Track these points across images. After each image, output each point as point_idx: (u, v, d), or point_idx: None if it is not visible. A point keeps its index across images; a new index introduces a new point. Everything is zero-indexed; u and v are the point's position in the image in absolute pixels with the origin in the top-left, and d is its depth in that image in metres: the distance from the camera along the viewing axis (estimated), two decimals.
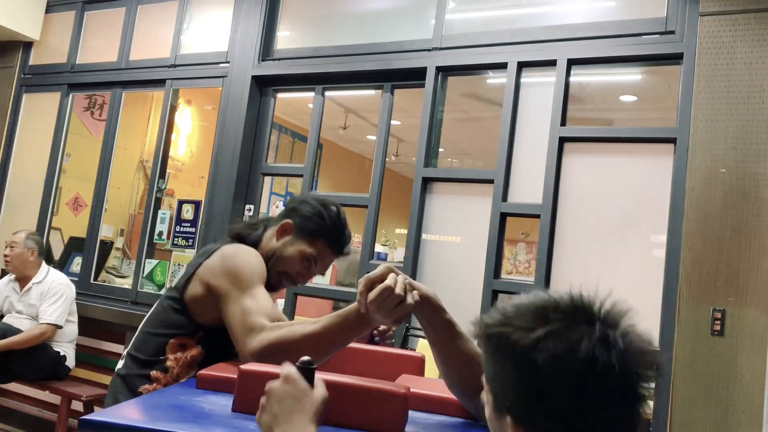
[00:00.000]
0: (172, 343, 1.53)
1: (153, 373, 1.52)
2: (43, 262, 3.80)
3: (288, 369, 0.96)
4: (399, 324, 1.26)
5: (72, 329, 3.69)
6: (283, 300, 3.58)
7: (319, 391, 0.96)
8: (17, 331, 3.48)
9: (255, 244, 1.63)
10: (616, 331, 0.75)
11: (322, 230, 1.63)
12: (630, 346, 0.74)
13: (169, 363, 1.51)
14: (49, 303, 3.59)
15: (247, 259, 1.51)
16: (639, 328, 0.77)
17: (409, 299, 1.18)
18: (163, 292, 1.70)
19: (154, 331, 1.57)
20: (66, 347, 3.65)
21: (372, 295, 1.16)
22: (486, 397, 0.85)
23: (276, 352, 1.27)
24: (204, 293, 1.50)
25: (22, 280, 3.74)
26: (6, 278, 3.85)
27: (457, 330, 1.25)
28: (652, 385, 0.74)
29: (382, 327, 1.74)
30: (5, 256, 3.72)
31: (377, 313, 1.18)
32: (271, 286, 1.59)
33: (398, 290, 1.16)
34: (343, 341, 1.31)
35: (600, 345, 0.72)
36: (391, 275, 1.19)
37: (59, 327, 3.57)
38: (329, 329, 1.28)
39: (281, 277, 1.63)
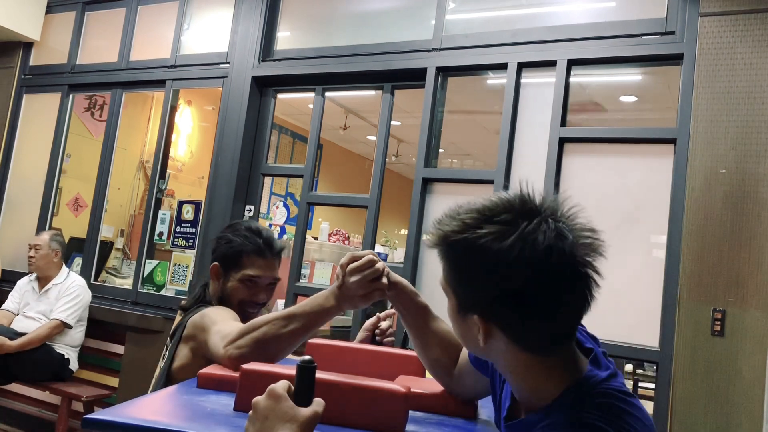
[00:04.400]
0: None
1: None
2: (64, 264, 3.84)
3: (275, 385, 0.91)
4: (366, 303, 1.33)
5: (79, 334, 3.70)
6: (283, 301, 3.58)
7: (312, 410, 0.89)
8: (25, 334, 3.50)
9: (207, 303, 1.74)
10: (565, 223, 0.87)
11: (239, 248, 1.72)
12: (579, 236, 0.87)
13: None
14: (64, 302, 3.63)
15: (213, 309, 1.62)
16: (580, 218, 0.91)
17: (384, 279, 1.29)
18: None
19: (159, 382, 1.70)
20: (70, 351, 3.65)
21: (355, 264, 1.28)
22: (449, 302, 0.94)
23: (255, 348, 1.33)
24: (190, 355, 1.61)
25: (43, 280, 3.77)
26: (26, 278, 3.88)
27: (430, 312, 1.34)
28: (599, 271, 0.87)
29: (383, 324, 1.74)
30: (30, 257, 3.74)
31: (354, 284, 1.27)
32: (240, 320, 1.66)
33: (378, 266, 1.28)
34: (315, 323, 1.37)
35: (555, 237, 0.84)
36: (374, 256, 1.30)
37: (68, 326, 3.58)
38: (303, 314, 1.35)
39: (242, 307, 1.72)
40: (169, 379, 1.66)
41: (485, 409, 1.36)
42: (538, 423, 0.86)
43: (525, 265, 0.82)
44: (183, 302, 1.83)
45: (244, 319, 1.64)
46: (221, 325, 1.52)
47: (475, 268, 0.87)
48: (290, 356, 1.69)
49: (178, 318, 1.79)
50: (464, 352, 1.28)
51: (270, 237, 1.79)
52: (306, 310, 1.36)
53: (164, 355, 1.75)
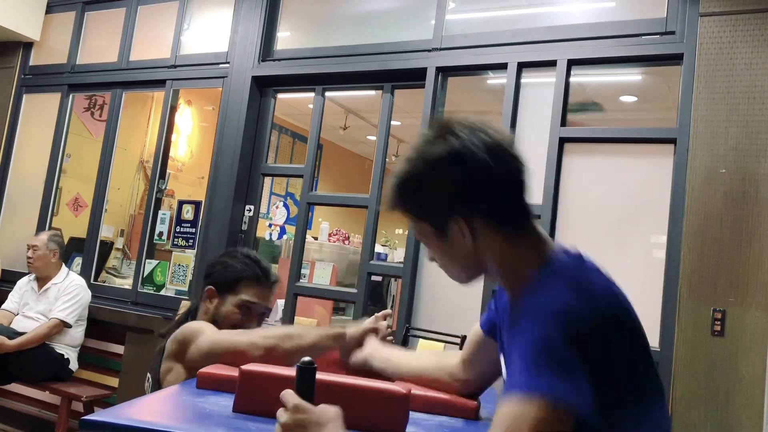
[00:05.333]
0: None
1: None
2: (63, 263, 3.84)
3: (289, 398, 0.96)
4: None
5: (78, 333, 3.70)
6: (283, 301, 3.58)
7: (332, 406, 0.97)
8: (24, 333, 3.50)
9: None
10: (486, 134, 1.08)
11: (237, 273, 1.73)
12: (502, 142, 1.12)
13: None
14: (63, 301, 3.63)
15: (196, 323, 1.64)
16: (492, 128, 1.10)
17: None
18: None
19: (153, 379, 1.71)
20: (69, 351, 3.65)
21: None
22: (429, 241, 1.11)
23: (271, 352, 1.42)
24: (172, 368, 1.62)
25: (42, 281, 3.77)
26: (26, 278, 3.88)
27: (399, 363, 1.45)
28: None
29: (381, 324, 1.75)
30: (28, 258, 3.74)
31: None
32: None
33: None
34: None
35: (471, 131, 1.06)
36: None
37: (68, 325, 3.58)
38: (308, 350, 1.44)
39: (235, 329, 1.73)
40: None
41: (486, 410, 1.36)
42: (526, 305, 0.98)
43: (467, 152, 1.04)
44: (162, 331, 1.83)
45: None
46: (219, 333, 1.54)
47: (432, 183, 1.07)
48: None
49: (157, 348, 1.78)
50: (471, 337, 1.33)
51: (268, 266, 1.81)
52: (313, 346, 1.47)
53: (147, 387, 1.75)
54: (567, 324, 0.91)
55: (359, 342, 1.55)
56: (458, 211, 1.05)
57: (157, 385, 1.66)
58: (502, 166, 1.10)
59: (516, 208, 1.13)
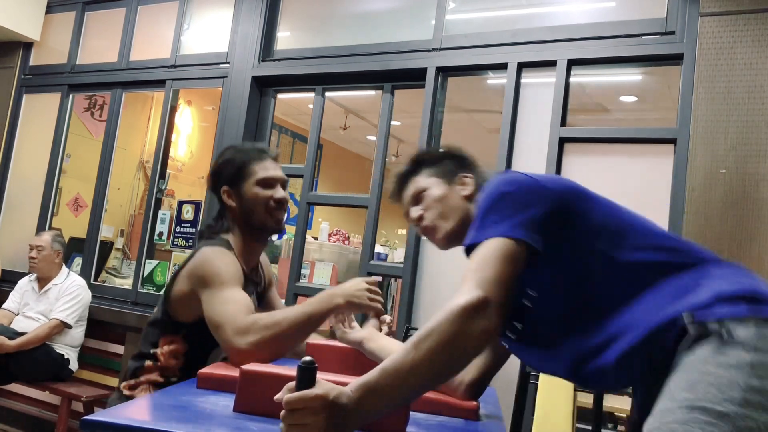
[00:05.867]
0: (162, 339, 1.68)
1: (147, 363, 1.68)
2: (63, 264, 3.84)
3: (297, 399, 0.91)
4: (362, 310, 1.60)
5: (79, 334, 3.70)
6: (283, 301, 3.58)
7: (330, 385, 0.93)
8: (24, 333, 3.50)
9: (227, 230, 1.77)
10: None
11: (240, 162, 1.75)
12: None
13: (158, 355, 1.67)
14: (64, 301, 3.63)
15: (222, 261, 1.61)
16: None
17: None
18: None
19: (150, 329, 1.73)
20: (69, 351, 3.65)
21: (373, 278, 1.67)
22: (433, 192, 1.41)
23: (266, 347, 1.44)
24: (187, 292, 1.64)
25: (43, 281, 3.76)
26: (26, 278, 3.88)
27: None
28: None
29: (384, 329, 1.76)
30: (32, 258, 3.73)
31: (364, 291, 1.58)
32: (274, 229, 1.75)
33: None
34: (323, 323, 1.55)
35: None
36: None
37: (68, 326, 3.58)
38: (318, 315, 1.51)
39: (270, 212, 1.73)
40: (167, 300, 1.70)
41: (486, 410, 1.37)
42: None
43: None
44: (203, 231, 1.84)
45: (271, 225, 1.72)
46: (229, 300, 1.52)
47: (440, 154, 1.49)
48: (290, 357, 1.69)
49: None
50: None
51: (261, 145, 1.87)
52: (321, 310, 1.51)
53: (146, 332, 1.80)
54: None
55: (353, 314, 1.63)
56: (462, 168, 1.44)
57: (167, 315, 1.69)
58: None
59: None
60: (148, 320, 1.77)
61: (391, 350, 1.45)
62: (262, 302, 1.88)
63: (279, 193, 1.74)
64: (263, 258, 1.91)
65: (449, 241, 1.38)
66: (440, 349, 0.95)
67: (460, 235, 1.28)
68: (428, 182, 1.43)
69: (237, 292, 1.55)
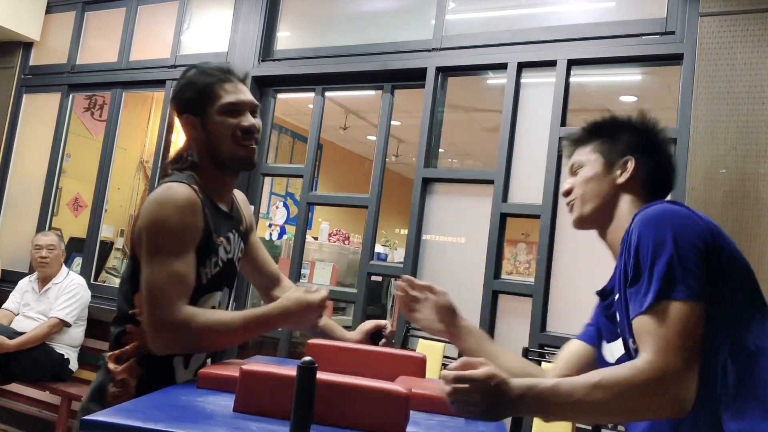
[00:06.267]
0: (137, 295, 1.45)
1: (128, 327, 1.46)
2: (63, 263, 3.86)
3: (475, 380, 1.05)
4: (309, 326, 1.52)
5: (78, 334, 3.70)
6: None
7: (495, 370, 1.06)
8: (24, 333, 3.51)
9: (193, 164, 1.53)
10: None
11: (204, 83, 1.52)
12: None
13: (137, 315, 1.45)
14: (63, 300, 3.63)
15: (172, 219, 1.38)
16: None
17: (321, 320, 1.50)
18: None
19: (123, 285, 1.51)
20: (69, 351, 3.65)
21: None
22: (590, 169, 1.40)
23: (186, 349, 1.41)
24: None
25: (44, 280, 3.77)
26: (27, 278, 3.89)
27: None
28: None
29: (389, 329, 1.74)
30: (43, 258, 3.73)
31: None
32: (245, 162, 1.52)
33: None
34: (253, 335, 1.47)
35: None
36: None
37: (67, 325, 3.59)
38: (268, 322, 1.43)
39: (238, 142, 1.50)
40: (132, 251, 1.47)
41: None
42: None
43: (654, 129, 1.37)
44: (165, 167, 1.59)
45: (242, 156, 1.50)
46: (167, 287, 1.34)
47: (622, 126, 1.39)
48: (290, 357, 1.69)
49: None
50: (570, 352, 1.50)
51: (228, 65, 1.60)
52: (273, 318, 1.43)
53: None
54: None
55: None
56: (634, 151, 1.34)
57: (135, 268, 1.44)
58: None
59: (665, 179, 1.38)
60: (122, 274, 1.56)
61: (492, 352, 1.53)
62: (246, 245, 1.68)
63: (248, 119, 1.51)
64: (241, 196, 1.70)
65: (582, 224, 1.39)
66: (618, 412, 1.05)
67: (595, 222, 1.35)
68: (588, 158, 1.40)
69: (180, 263, 1.37)
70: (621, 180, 1.33)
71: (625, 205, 1.32)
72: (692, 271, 1.07)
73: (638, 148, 1.35)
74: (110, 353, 1.48)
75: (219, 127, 1.50)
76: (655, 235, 1.10)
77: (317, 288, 1.48)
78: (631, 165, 1.33)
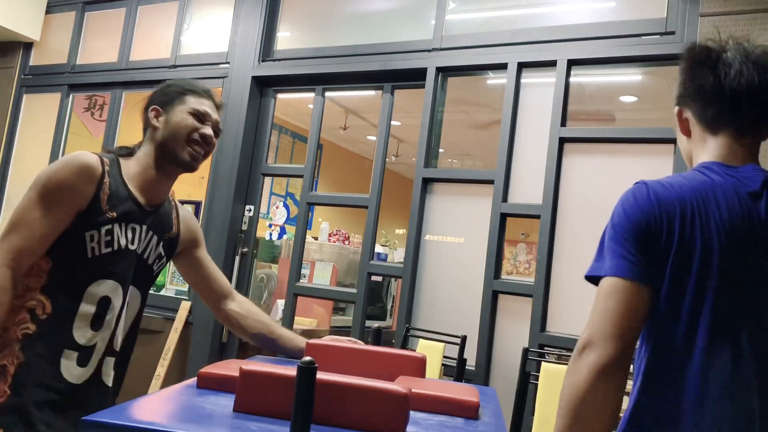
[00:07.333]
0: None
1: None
2: None
3: None
4: None
5: None
6: (283, 301, 3.58)
7: None
8: None
9: (130, 153, 1.60)
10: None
11: (180, 90, 1.59)
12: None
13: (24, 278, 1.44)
14: None
15: (58, 170, 1.45)
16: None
17: None
18: None
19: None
20: None
21: None
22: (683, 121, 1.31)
23: None
24: None
25: None
26: None
27: None
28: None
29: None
30: None
31: None
32: (186, 164, 1.54)
33: None
34: None
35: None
36: None
37: None
38: None
39: (190, 143, 1.54)
40: None
41: (486, 409, 1.36)
42: None
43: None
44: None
45: (184, 157, 1.52)
46: (15, 230, 1.44)
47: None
48: (290, 357, 1.69)
49: None
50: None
51: (209, 87, 1.68)
52: None
53: None
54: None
55: None
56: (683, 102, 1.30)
57: None
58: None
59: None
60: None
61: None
62: (175, 253, 1.69)
63: (208, 130, 1.56)
64: (186, 213, 1.72)
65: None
66: (564, 385, 1.05)
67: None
68: (683, 118, 1.36)
69: (38, 213, 1.44)
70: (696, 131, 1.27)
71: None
72: (621, 249, 1.07)
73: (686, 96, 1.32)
74: None
75: (181, 122, 1.54)
76: (611, 215, 1.13)
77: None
78: (683, 117, 1.33)
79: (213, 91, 1.66)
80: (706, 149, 1.19)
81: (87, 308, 1.44)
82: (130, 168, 1.55)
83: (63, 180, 1.44)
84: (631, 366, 1.08)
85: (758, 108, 1.14)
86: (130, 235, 1.50)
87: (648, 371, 1.08)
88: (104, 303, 1.46)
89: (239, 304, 1.76)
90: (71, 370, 1.42)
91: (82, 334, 1.43)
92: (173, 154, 1.54)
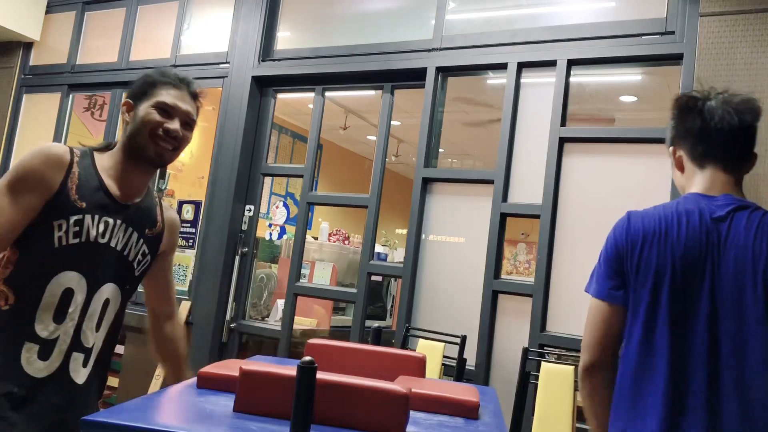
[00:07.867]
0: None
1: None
2: None
3: None
4: None
5: None
6: (283, 300, 3.58)
7: None
8: None
9: (108, 147, 1.61)
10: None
11: (152, 80, 1.62)
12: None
13: None
14: None
15: (27, 159, 1.45)
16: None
17: None
18: None
19: None
20: None
21: None
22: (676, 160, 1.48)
23: None
24: None
25: None
26: None
27: None
28: None
29: None
30: None
31: None
32: (153, 160, 1.55)
33: None
34: None
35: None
36: None
37: None
38: None
39: (154, 138, 1.54)
40: None
41: (486, 409, 1.37)
42: None
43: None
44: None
45: (150, 154, 1.53)
46: None
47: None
48: (290, 357, 1.69)
49: None
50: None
51: (185, 75, 1.67)
52: None
53: None
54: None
55: None
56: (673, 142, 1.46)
57: None
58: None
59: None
60: None
61: None
62: (158, 252, 1.69)
63: (173, 124, 1.55)
64: (171, 217, 1.72)
65: None
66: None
67: None
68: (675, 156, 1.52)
69: (6, 199, 1.40)
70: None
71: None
72: (602, 274, 1.37)
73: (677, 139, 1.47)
74: None
75: (144, 117, 1.55)
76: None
77: None
78: (674, 157, 1.48)
79: (188, 78, 1.65)
80: (694, 182, 1.41)
81: (50, 300, 1.42)
82: (104, 161, 1.55)
83: (31, 168, 1.44)
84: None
85: (739, 146, 1.37)
86: (101, 227, 1.48)
87: (620, 365, 1.32)
88: (67, 295, 1.44)
89: (175, 328, 1.82)
90: (32, 362, 1.40)
91: (44, 326, 1.41)
92: (140, 150, 1.54)
